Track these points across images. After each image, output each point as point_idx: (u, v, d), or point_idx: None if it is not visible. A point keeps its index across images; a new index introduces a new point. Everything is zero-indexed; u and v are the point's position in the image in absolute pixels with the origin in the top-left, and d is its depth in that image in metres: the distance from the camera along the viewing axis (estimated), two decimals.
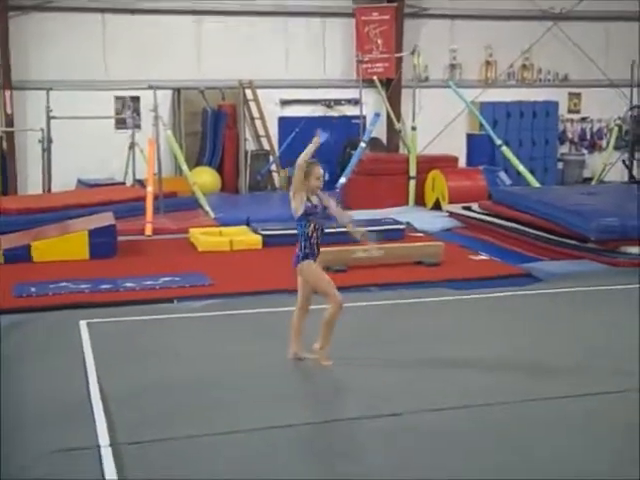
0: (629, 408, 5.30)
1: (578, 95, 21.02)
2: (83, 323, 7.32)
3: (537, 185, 15.25)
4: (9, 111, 17.28)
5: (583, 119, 21.18)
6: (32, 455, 4.64)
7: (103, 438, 4.77)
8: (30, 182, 17.45)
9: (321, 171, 6.09)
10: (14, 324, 7.53)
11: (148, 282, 9.33)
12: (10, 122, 17.28)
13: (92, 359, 6.30)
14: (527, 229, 11.64)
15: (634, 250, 10.10)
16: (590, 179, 19.40)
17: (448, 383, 5.76)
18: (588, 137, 21.23)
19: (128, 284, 9.23)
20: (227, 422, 5.07)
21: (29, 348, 6.76)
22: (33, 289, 9.00)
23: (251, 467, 4.47)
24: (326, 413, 5.32)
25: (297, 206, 6.03)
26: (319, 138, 6.07)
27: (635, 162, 17.80)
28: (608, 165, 18.42)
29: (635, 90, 18.01)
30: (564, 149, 21.02)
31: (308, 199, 6.04)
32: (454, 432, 4.91)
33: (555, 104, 20.26)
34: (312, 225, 6.03)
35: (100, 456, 4.54)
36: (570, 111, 21.07)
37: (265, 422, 5.05)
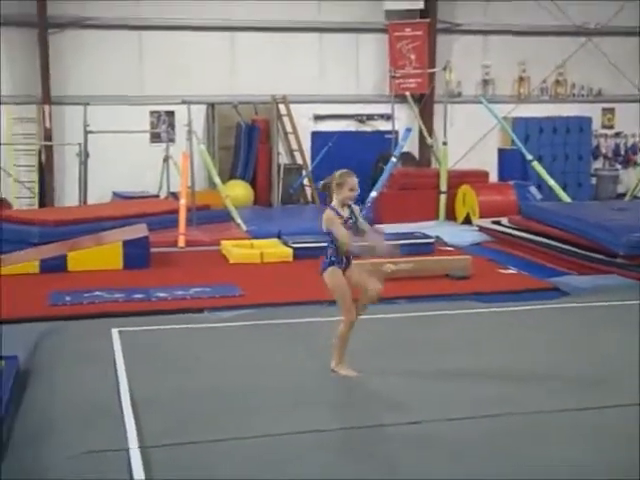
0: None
1: (612, 110, 20.98)
2: (115, 331, 7.49)
3: (568, 200, 15.24)
4: (48, 125, 17.67)
5: (617, 134, 21.14)
6: (62, 456, 4.79)
7: (132, 441, 4.92)
8: (67, 194, 17.81)
9: (355, 181, 6.07)
10: (49, 331, 7.74)
11: (180, 292, 9.51)
12: (49, 136, 17.67)
13: (123, 366, 6.46)
14: (556, 243, 11.67)
15: None
16: (624, 194, 19.32)
17: (470, 393, 5.83)
18: (622, 152, 21.17)
19: (160, 294, 9.43)
20: (255, 427, 5.19)
21: (63, 354, 6.95)
22: (68, 298, 9.22)
23: (275, 470, 4.58)
24: (348, 420, 5.41)
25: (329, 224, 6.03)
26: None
27: None
28: None
29: None
30: (598, 164, 20.97)
31: (338, 214, 6.06)
32: (470, 440, 4.99)
33: (588, 119, 20.25)
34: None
35: (129, 458, 4.68)
36: (604, 126, 21.04)
37: (290, 427, 5.17)
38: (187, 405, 5.61)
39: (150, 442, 4.91)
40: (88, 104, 15.93)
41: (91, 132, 15.74)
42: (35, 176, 17.89)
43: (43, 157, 17.92)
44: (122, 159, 17.69)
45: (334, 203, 6.11)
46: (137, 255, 11.23)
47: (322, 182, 6.28)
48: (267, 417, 5.40)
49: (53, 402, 5.77)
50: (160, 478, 4.43)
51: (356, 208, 6.25)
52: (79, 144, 15.97)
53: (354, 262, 6.23)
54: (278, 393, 5.90)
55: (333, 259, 6.08)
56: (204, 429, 5.16)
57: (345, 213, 6.11)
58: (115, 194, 17.48)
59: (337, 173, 6.13)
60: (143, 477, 4.41)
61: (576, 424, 5.29)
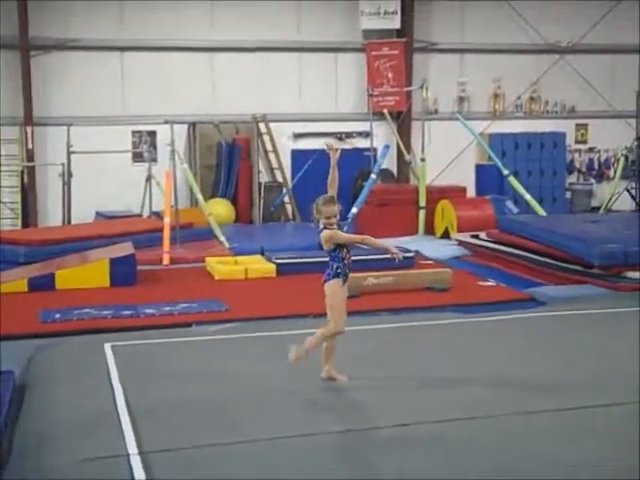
0: (621, 421, 5.62)
1: (585, 126, 21.45)
2: (107, 346, 7.70)
3: (543, 213, 15.60)
4: (30, 146, 17.84)
5: (590, 149, 21.60)
6: (63, 463, 4.99)
7: (131, 447, 5.13)
8: (50, 215, 17.97)
9: (332, 209, 6.29)
10: (42, 347, 7.93)
11: (167, 308, 9.72)
12: (31, 157, 17.83)
13: (117, 378, 6.67)
14: (533, 256, 11.99)
15: (636, 275, 10.43)
16: (598, 208, 19.73)
17: (451, 398, 6.09)
18: (596, 167, 21.62)
19: (148, 310, 9.63)
20: (247, 432, 5.42)
21: (57, 368, 7.14)
22: (58, 315, 9.40)
23: (272, 472, 4.81)
24: (338, 424, 5.63)
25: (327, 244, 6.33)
26: (333, 146, 6.45)
27: None
28: (615, 194, 18.76)
29: None
30: (572, 179, 21.41)
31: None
32: (454, 441, 5.25)
33: (562, 135, 20.69)
34: (345, 249, 6.37)
35: (130, 463, 4.89)
36: (577, 142, 21.50)
37: (282, 432, 5.40)
38: (182, 413, 5.83)
39: (149, 448, 5.12)
40: (71, 125, 16.13)
41: (74, 152, 15.93)
42: (18, 197, 18.03)
43: (25, 178, 18.07)
44: (105, 179, 17.91)
45: (321, 225, 6.39)
46: (124, 273, 11.41)
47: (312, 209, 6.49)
48: (259, 423, 5.63)
49: (51, 413, 5.97)
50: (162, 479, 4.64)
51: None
52: (62, 164, 16.15)
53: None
54: (268, 400, 6.14)
55: (339, 271, 6.34)
56: (201, 435, 5.37)
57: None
58: (98, 214, 17.65)
59: (320, 199, 6.41)
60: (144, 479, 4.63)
61: (554, 425, 5.56)
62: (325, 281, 6.40)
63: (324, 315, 6.50)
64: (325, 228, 6.37)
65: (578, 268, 11.04)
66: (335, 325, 6.37)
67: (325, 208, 6.34)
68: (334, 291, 6.34)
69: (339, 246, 6.36)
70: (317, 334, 6.45)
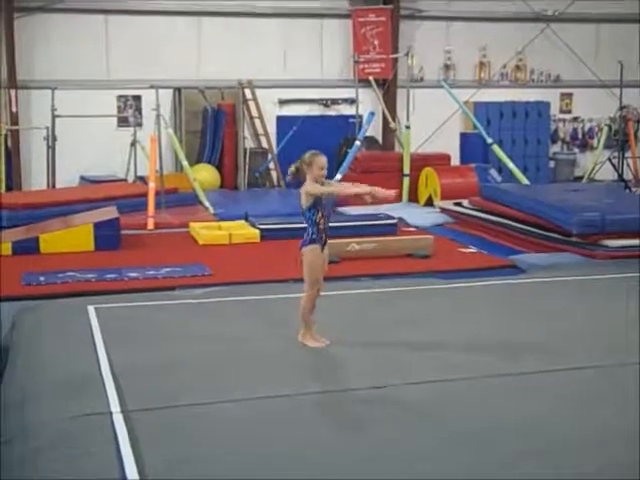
0: (596, 382, 5.79)
1: (570, 95, 21.55)
2: (91, 308, 7.78)
3: (526, 182, 15.73)
4: (14, 109, 17.75)
5: (575, 119, 21.72)
6: (46, 420, 5.09)
7: (114, 405, 5.24)
8: (34, 179, 17.93)
9: (324, 160, 6.31)
10: (25, 309, 8.00)
11: (151, 272, 9.80)
12: (15, 120, 17.76)
13: (101, 339, 6.76)
14: (514, 224, 12.13)
15: (613, 243, 10.59)
16: (581, 177, 19.89)
17: (430, 361, 6.23)
18: (580, 136, 21.76)
19: (132, 274, 9.71)
20: (228, 392, 5.53)
21: (41, 330, 7.22)
22: (42, 278, 9.46)
23: (253, 430, 4.93)
24: (316, 386, 5.76)
25: (306, 199, 6.29)
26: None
27: (624, 161, 18.24)
28: (598, 164, 18.90)
29: (624, 90, 18.47)
30: (556, 148, 21.53)
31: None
32: (431, 401, 5.39)
33: (547, 104, 20.76)
34: (320, 213, 6.34)
35: (112, 421, 5.01)
36: (562, 111, 21.61)
37: (264, 392, 5.53)
38: (164, 373, 5.93)
39: (132, 407, 5.24)
40: (56, 88, 16.05)
41: (58, 116, 15.88)
42: (1, 160, 17.94)
43: (9, 141, 18.00)
44: (89, 143, 17.87)
45: (308, 181, 6.36)
46: (108, 237, 11.47)
47: (292, 166, 6.48)
48: (241, 384, 5.75)
49: (34, 373, 6.06)
50: (144, 438, 4.75)
51: (327, 182, 6.50)
52: (46, 128, 16.11)
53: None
54: (249, 361, 6.26)
55: (314, 237, 6.35)
56: (183, 394, 5.49)
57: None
58: (83, 178, 17.65)
59: (306, 154, 6.42)
60: (127, 438, 4.74)
61: (529, 385, 5.72)
62: (301, 247, 6.42)
63: (302, 281, 6.61)
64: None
65: (558, 236, 11.18)
66: (310, 289, 6.44)
67: (318, 158, 6.31)
68: (311, 257, 6.36)
69: (313, 207, 6.32)
70: (303, 308, 6.51)
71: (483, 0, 20.16)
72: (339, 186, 6.78)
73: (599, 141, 19.56)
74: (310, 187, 6.32)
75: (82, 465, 4.45)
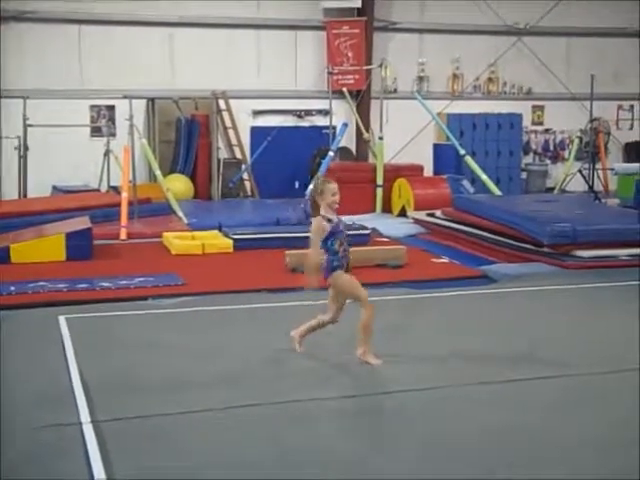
0: (555, 390, 5.87)
1: (541, 108, 21.77)
2: (62, 318, 7.74)
3: (498, 193, 15.85)
4: None
5: (546, 131, 21.94)
6: (17, 431, 5.06)
7: (84, 416, 5.22)
8: (5, 188, 17.77)
9: (335, 186, 6.23)
10: None
11: (123, 282, 9.76)
12: None
13: (72, 349, 6.73)
14: (486, 234, 12.21)
15: (584, 254, 10.69)
16: (553, 189, 20.07)
17: (400, 370, 6.27)
18: (551, 148, 21.99)
19: (104, 284, 9.65)
20: (197, 402, 5.53)
21: (12, 340, 7.16)
22: (12, 288, 9.39)
23: (220, 440, 4.93)
24: (283, 395, 5.77)
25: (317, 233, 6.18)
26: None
27: (595, 173, 18.44)
28: (570, 175, 19.09)
29: (595, 103, 18.69)
30: (528, 159, 21.72)
31: (328, 219, 6.24)
32: (400, 411, 5.41)
33: (519, 116, 20.91)
34: (338, 241, 6.27)
35: (82, 431, 4.98)
36: (534, 123, 21.83)
37: (235, 401, 5.53)
38: (135, 384, 5.92)
39: (101, 417, 5.21)
40: (28, 97, 15.98)
41: (30, 125, 15.80)
42: None
43: None
44: (62, 153, 17.77)
45: (322, 210, 6.27)
46: (80, 247, 11.40)
47: (308, 197, 6.36)
48: (210, 393, 5.74)
49: (4, 384, 6.00)
50: (113, 448, 4.73)
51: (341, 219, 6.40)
52: (18, 137, 16.02)
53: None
54: (219, 371, 6.26)
55: (336, 264, 6.28)
56: (154, 404, 5.49)
57: (334, 218, 6.30)
58: (55, 188, 17.54)
59: (319, 181, 6.38)
60: (97, 447, 4.72)
61: (498, 394, 5.77)
62: (327, 276, 6.30)
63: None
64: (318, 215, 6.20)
65: (529, 247, 11.27)
66: (367, 302, 6.33)
67: (330, 185, 6.24)
68: (343, 281, 6.26)
69: (331, 236, 6.20)
70: (365, 323, 6.31)
71: (456, 12, 20.32)
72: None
73: (570, 153, 19.79)
74: (312, 233, 6.23)
75: (51, 476, 4.42)
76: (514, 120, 20.76)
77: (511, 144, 20.72)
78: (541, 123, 21.83)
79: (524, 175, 21.14)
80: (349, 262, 6.36)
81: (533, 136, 21.86)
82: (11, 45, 17.85)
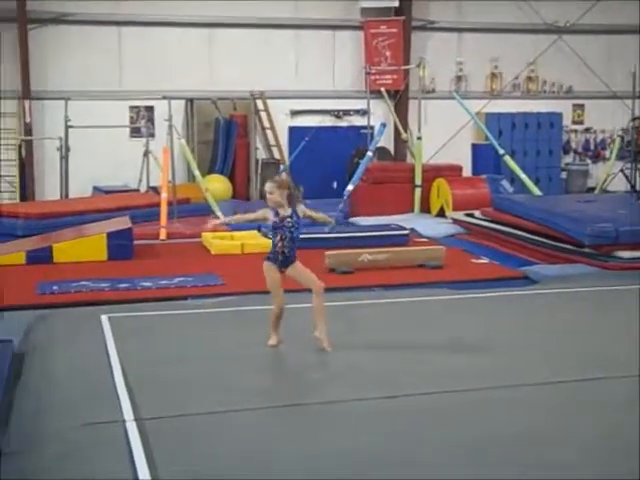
0: (600, 394, 5.79)
1: (582, 106, 21.53)
2: (104, 317, 7.81)
3: (538, 193, 15.71)
4: (28, 120, 17.87)
5: (587, 130, 21.68)
6: (60, 428, 5.12)
7: (127, 414, 5.26)
8: (47, 189, 18.03)
9: (269, 186, 6.72)
10: (40, 318, 8.05)
11: (163, 282, 9.84)
12: (29, 131, 17.87)
13: (114, 347, 6.80)
14: (526, 234, 12.11)
15: (626, 254, 10.56)
16: (594, 188, 19.84)
17: (439, 371, 6.23)
18: (592, 147, 21.73)
19: (145, 283, 9.75)
20: (240, 400, 5.54)
21: (55, 338, 7.26)
22: (55, 287, 9.52)
23: (263, 438, 4.94)
24: (327, 394, 5.76)
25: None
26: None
27: (637, 172, 18.20)
28: (611, 175, 18.86)
29: (637, 101, 18.45)
30: (568, 159, 21.50)
31: (276, 213, 6.67)
32: (440, 413, 5.39)
33: (559, 115, 20.77)
34: (278, 236, 6.67)
35: (125, 429, 5.02)
36: (574, 122, 21.59)
37: (279, 401, 5.55)
38: (177, 382, 5.96)
39: (144, 415, 5.25)
40: (69, 99, 16.16)
41: (72, 127, 15.98)
42: (16, 170, 18.09)
43: (23, 152, 18.11)
44: (102, 154, 17.95)
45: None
46: (121, 246, 11.52)
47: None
48: (253, 392, 5.76)
49: (49, 381, 6.10)
50: (157, 446, 4.76)
51: (302, 211, 6.85)
52: (60, 138, 16.21)
53: (295, 263, 6.77)
54: (261, 370, 6.28)
55: (270, 255, 6.74)
56: (196, 402, 5.51)
57: (284, 212, 6.71)
58: (96, 188, 17.73)
59: (282, 176, 7.24)
60: (140, 445, 4.76)
61: (537, 397, 5.71)
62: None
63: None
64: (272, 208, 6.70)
65: (570, 247, 11.16)
66: (273, 301, 6.85)
67: (288, 182, 6.85)
68: (265, 273, 6.73)
69: (273, 229, 6.70)
70: (271, 314, 6.82)
71: (494, 11, 20.19)
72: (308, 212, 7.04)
73: (611, 152, 19.53)
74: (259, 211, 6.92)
75: (96, 473, 4.47)
76: (554, 119, 20.62)
77: (551, 143, 20.59)
78: (581, 122, 21.60)
79: (564, 175, 20.95)
80: (287, 260, 6.71)
81: (573, 135, 21.63)
82: (52, 47, 18.08)
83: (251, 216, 7.20)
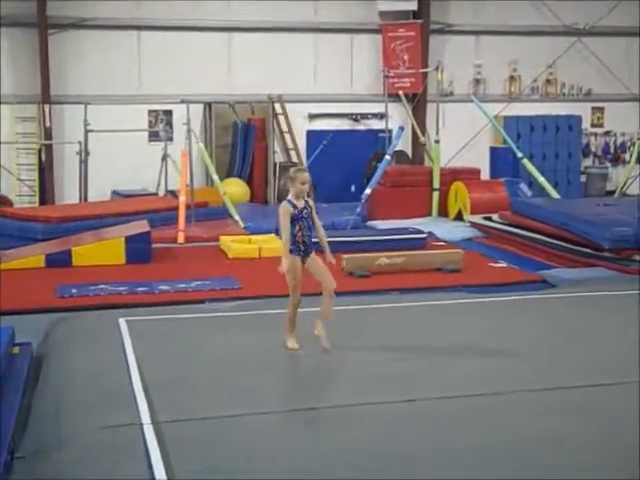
0: (616, 400, 5.74)
1: (601, 109, 21.41)
2: (122, 320, 7.85)
3: (557, 196, 15.64)
4: (47, 124, 17.99)
5: (607, 133, 21.55)
6: (79, 430, 5.15)
7: (145, 417, 5.29)
8: (67, 192, 18.12)
9: (306, 175, 6.74)
10: (59, 321, 8.10)
11: (181, 285, 9.89)
12: (49, 135, 17.99)
13: (132, 350, 6.83)
14: (545, 238, 12.06)
15: None
16: (613, 192, 19.72)
17: (456, 375, 6.22)
18: (611, 151, 21.59)
19: (163, 287, 9.80)
20: (257, 404, 5.56)
21: (73, 341, 7.30)
22: (74, 290, 9.58)
23: (279, 442, 4.95)
24: (344, 398, 5.76)
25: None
26: None
27: None
28: (631, 178, 18.75)
29: None
30: (588, 162, 21.38)
31: (294, 205, 6.69)
32: (455, 418, 5.37)
33: (578, 118, 20.66)
34: (297, 227, 6.70)
35: (143, 432, 5.05)
36: (593, 125, 21.46)
37: (290, 405, 5.55)
38: (194, 385, 5.98)
39: (162, 418, 5.27)
40: (88, 103, 16.25)
41: (91, 131, 16.07)
42: (36, 174, 18.23)
43: (43, 155, 18.24)
44: (121, 158, 18.03)
45: (290, 196, 6.76)
46: (139, 250, 11.58)
47: (283, 181, 6.96)
48: (270, 396, 5.78)
49: (67, 383, 6.14)
50: (174, 449, 4.78)
51: (311, 202, 6.87)
52: (79, 142, 16.30)
53: (313, 255, 6.80)
54: (278, 374, 6.29)
55: (291, 247, 6.68)
56: (212, 406, 5.53)
57: (300, 204, 6.74)
58: (114, 192, 17.81)
59: (291, 169, 6.87)
60: (157, 448, 4.77)
61: (555, 401, 5.68)
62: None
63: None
64: (299, 198, 6.69)
65: (589, 251, 11.10)
66: (291, 296, 6.81)
67: (300, 174, 6.73)
68: (288, 264, 6.62)
69: (292, 221, 6.66)
70: (287, 312, 6.86)
71: (513, 13, 20.12)
72: (318, 223, 6.95)
73: (631, 155, 19.40)
74: (280, 214, 6.72)
75: (113, 476, 4.49)
76: (573, 122, 20.52)
77: (570, 146, 20.48)
78: (601, 125, 21.46)
79: (583, 178, 20.84)
80: (308, 248, 6.74)
81: (593, 138, 21.49)
82: (72, 52, 18.19)
83: (285, 236, 6.77)
